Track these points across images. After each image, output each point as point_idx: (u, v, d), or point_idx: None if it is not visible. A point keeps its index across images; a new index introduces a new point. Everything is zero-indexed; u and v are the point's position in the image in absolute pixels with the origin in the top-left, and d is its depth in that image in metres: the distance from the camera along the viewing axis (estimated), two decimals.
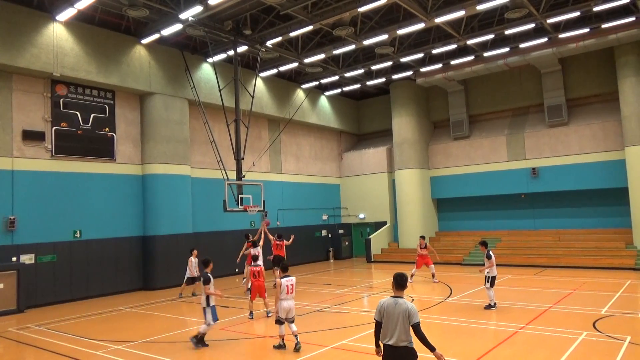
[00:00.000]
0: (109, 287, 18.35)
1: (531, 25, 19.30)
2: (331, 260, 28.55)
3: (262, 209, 19.57)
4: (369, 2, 16.58)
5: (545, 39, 21.07)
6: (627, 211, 21.55)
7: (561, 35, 20.48)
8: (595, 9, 17.94)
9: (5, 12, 15.76)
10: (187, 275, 17.03)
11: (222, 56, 21.21)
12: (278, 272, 10.43)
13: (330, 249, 29.11)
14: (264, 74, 24.13)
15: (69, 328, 12.65)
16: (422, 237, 18.97)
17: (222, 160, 20.32)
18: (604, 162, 22.40)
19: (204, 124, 21.22)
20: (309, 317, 12.87)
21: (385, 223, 28.57)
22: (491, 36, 20.58)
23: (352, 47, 20.84)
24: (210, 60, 21.54)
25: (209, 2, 15.61)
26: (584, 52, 21.83)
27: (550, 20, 18.91)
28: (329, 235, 29.24)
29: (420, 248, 18.66)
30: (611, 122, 22.50)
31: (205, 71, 21.81)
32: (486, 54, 22.43)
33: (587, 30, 20.07)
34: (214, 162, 21.03)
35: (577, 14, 18.37)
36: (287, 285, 9.63)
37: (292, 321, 9.69)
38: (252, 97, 21.38)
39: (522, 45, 21.59)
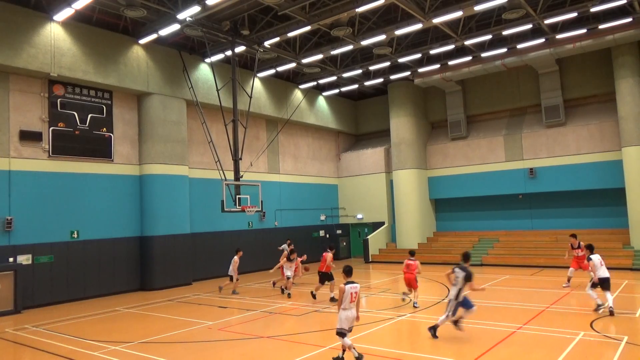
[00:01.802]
0: (106, 287, 18.32)
1: (529, 26, 19.34)
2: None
3: (260, 209, 19.57)
4: (366, 3, 16.60)
5: (542, 40, 21.12)
6: (624, 211, 21.61)
7: (558, 36, 20.53)
8: (592, 9, 17.99)
9: (3, 12, 15.72)
10: (233, 274, 17.23)
11: (220, 56, 21.19)
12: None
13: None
14: (261, 74, 24.13)
15: (66, 329, 12.62)
16: (574, 236, 16.21)
17: (220, 160, 20.31)
18: (601, 162, 22.47)
19: (201, 124, 21.19)
20: (308, 317, 12.88)
21: (383, 223, 28.58)
22: (489, 37, 20.61)
23: (350, 47, 20.85)
24: (208, 60, 21.53)
25: (206, 2, 15.60)
26: (581, 52, 21.90)
27: (548, 21, 18.95)
28: (327, 236, 29.22)
29: (573, 248, 16.09)
30: (608, 123, 22.56)
31: (203, 71, 21.80)
32: (484, 55, 22.47)
33: (584, 31, 20.13)
34: (212, 162, 21.03)
35: (574, 14, 18.41)
36: (351, 293, 8.65)
37: (350, 331, 8.76)
38: (250, 97, 21.39)
39: (519, 46, 21.63)
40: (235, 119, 19.88)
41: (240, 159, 20.07)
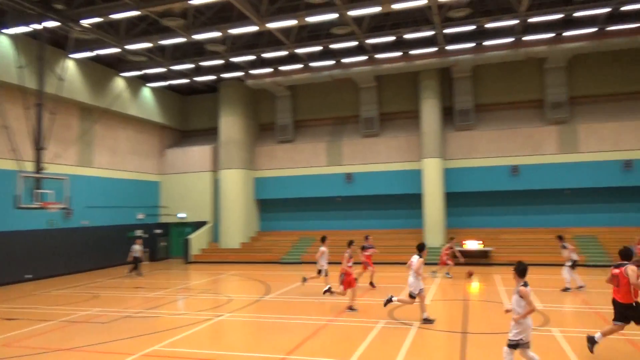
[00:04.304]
0: None
1: (354, 43, 20.88)
2: (145, 262, 26.75)
3: (65, 206, 17.37)
4: None
5: (365, 57, 23.04)
6: (420, 214, 24.59)
7: (378, 56, 22.62)
8: (405, 36, 20.28)
9: None
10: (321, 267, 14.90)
11: (25, 29, 18.27)
12: None
13: (146, 249, 27.28)
14: (76, 56, 21.53)
15: None
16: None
17: (18, 148, 17.49)
18: (406, 170, 25.32)
19: None
20: (116, 324, 11.77)
21: (205, 223, 27.94)
22: (319, 48, 21.70)
23: (182, 39, 19.90)
24: (7, 31, 18.37)
25: None
26: (396, 72, 24.54)
27: (370, 41, 20.74)
28: (147, 236, 27.38)
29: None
30: (414, 136, 25.53)
31: (1, 43, 18.54)
32: (313, 64, 23.57)
33: (399, 54, 22.56)
34: (5, 150, 18.04)
35: (392, 38, 20.55)
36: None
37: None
38: (61, 80, 18.94)
39: (344, 60, 23.24)
40: (39, 103, 17.37)
41: (44, 148, 17.58)
